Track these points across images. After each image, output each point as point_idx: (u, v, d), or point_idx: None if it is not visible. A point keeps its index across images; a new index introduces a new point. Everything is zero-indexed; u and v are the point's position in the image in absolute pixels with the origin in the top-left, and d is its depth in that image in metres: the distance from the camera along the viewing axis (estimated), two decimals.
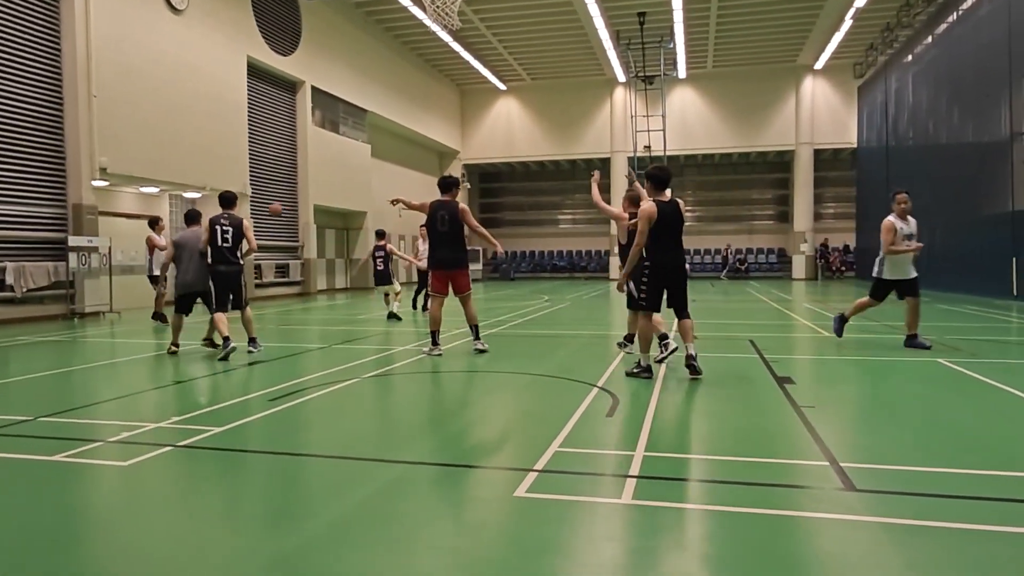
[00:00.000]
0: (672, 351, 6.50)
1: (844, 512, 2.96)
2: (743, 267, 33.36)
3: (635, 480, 3.40)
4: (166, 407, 5.47)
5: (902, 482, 3.38)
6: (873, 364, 7.14)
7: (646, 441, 4.10)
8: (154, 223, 12.79)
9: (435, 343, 7.93)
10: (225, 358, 7.53)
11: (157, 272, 11.91)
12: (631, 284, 6.77)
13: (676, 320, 6.34)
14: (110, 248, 14.21)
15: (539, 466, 3.61)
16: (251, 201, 18.64)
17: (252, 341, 8.13)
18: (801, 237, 31.50)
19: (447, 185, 8.16)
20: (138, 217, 17.04)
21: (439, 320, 8.03)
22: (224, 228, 8.05)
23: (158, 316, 11.73)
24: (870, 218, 27.03)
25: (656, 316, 6.40)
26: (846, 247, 32.09)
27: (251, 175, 18.85)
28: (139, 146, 14.90)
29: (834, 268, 31.31)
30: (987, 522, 2.82)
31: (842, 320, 8.73)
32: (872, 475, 3.46)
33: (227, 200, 8.32)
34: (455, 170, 34.14)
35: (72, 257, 13.17)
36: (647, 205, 6.03)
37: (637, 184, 7.20)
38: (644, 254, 6.16)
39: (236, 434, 4.43)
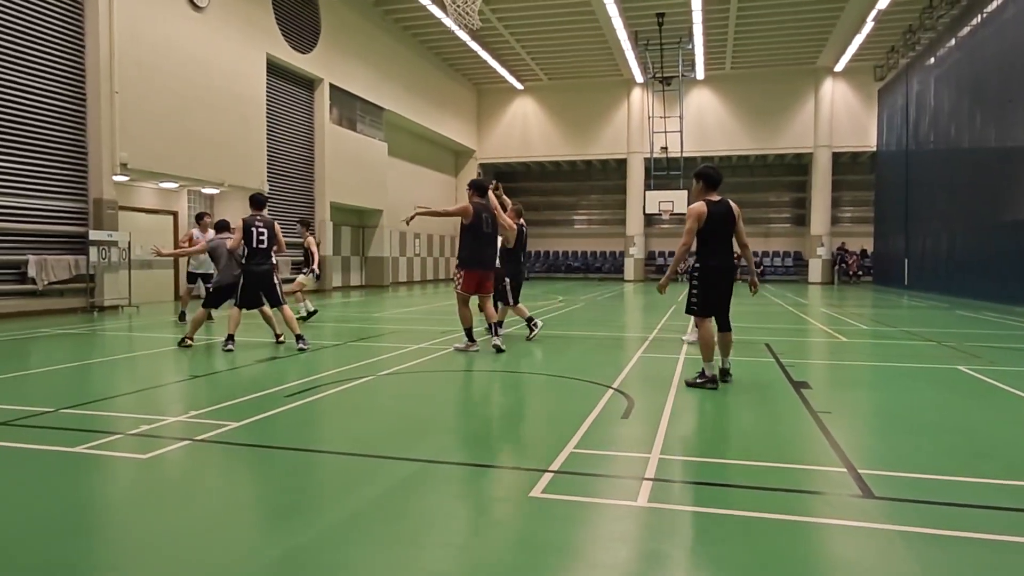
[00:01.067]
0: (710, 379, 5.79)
1: (861, 519, 2.94)
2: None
3: (651, 483, 3.39)
4: (184, 401, 5.53)
5: (919, 490, 3.35)
6: (890, 370, 7.08)
7: (662, 444, 4.09)
8: (200, 218, 12.46)
9: (472, 339, 8.23)
10: (226, 349, 8.00)
11: (195, 270, 11.97)
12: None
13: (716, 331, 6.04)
14: (130, 242, 14.37)
15: (554, 467, 3.61)
16: (269, 196, 18.74)
17: (299, 338, 8.28)
18: (818, 241, 31.24)
19: (484, 189, 8.48)
20: (157, 212, 17.25)
21: (471, 317, 8.36)
22: (259, 229, 8.34)
23: (184, 316, 11.76)
24: (888, 222, 26.81)
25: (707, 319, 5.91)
26: (863, 251, 31.80)
27: (268, 172, 18.98)
28: (159, 142, 15.05)
29: (851, 272, 31.04)
30: (1004, 532, 2.79)
31: None
32: (889, 482, 3.43)
33: (258, 202, 8.53)
34: (471, 169, 34.22)
35: (92, 251, 13.35)
36: (696, 204, 5.82)
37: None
38: (694, 257, 5.95)
39: (253, 430, 4.47)
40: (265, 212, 8.58)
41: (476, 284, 8.23)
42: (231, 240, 8.50)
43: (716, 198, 5.85)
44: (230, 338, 8.16)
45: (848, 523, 2.90)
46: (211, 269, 11.75)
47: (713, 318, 6.00)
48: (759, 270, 33.24)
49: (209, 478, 3.63)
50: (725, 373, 5.94)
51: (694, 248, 5.92)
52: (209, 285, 11.66)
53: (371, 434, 4.53)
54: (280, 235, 8.57)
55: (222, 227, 9.13)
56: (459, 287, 8.33)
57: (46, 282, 12.81)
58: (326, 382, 6.12)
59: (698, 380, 5.82)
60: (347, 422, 4.93)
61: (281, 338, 8.67)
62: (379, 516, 3.00)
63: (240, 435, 4.31)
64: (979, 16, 18.42)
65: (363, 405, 5.47)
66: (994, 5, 17.54)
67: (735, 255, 6.06)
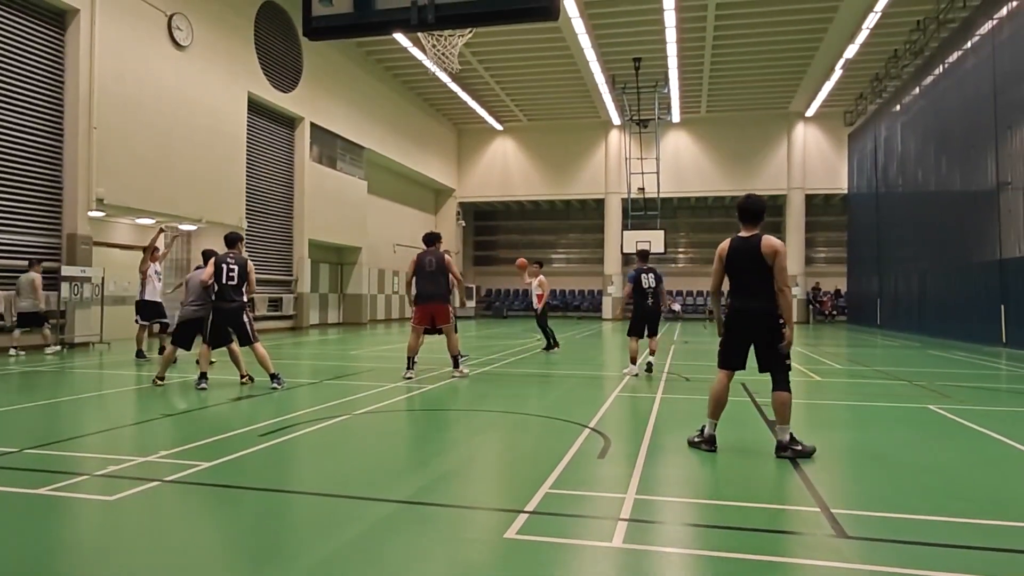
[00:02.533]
0: (705, 440, 5.09)
1: (835, 559, 2.95)
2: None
3: (626, 523, 3.38)
4: (154, 441, 5.42)
5: (893, 529, 3.37)
6: (863, 409, 7.16)
7: (637, 484, 4.08)
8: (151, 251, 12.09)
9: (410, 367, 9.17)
10: (199, 387, 7.97)
11: (149, 297, 11.67)
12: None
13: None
14: (103, 278, 14.19)
15: (530, 507, 3.59)
16: (247, 233, 18.68)
17: (274, 377, 8.18)
18: (793, 281, 31.70)
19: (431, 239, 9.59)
20: (133, 248, 17.08)
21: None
22: (230, 267, 8.33)
23: (141, 354, 11.52)
24: (861, 263, 27.36)
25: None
26: (837, 291, 32.34)
27: (248, 209, 18.95)
28: (137, 177, 15.00)
29: (826, 312, 31.50)
30: (976, 571, 2.81)
31: None
32: (863, 522, 3.45)
33: (231, 240, 8.56)
34: (451, 208, 34.45)
35: (64, 287, 13.14)
36: (721, 244, 5.27)
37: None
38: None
39: (225, 470, 4.39)
40: (240, 249, 8.57)
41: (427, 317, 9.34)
42: (204, 272, 8.48)
43: (747, 234, 5.14)
44: (203, 376, 8.09)
45: (822, 563, 2.91)
46: (156, 297, 11.71)
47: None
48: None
49: (179, 521, 3.55)
50: (783, 446, 4.83)
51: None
52: (165, 320, 11.69)
53: (346, 474, 4.47)
54: (252, 273, 8.51)
55: (207, 257, 9.00)
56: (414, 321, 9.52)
57: (15, 318, 12.55)
58: (301, 421, 6.04)
59: (695, 439, 5.13)
60: (322, 462, 4.86)
61: (244, 379, 8.42)
62: (354, 559, 2.95)
63: (211, 476, 4.23)
64: (941, 66, 19.17)
65: (338, 445, 5.40)
66: (955, 56, 18.28)
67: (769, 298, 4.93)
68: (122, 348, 13.76)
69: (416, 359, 9.22)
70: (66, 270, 13.26)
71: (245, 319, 8.40)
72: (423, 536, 3.28)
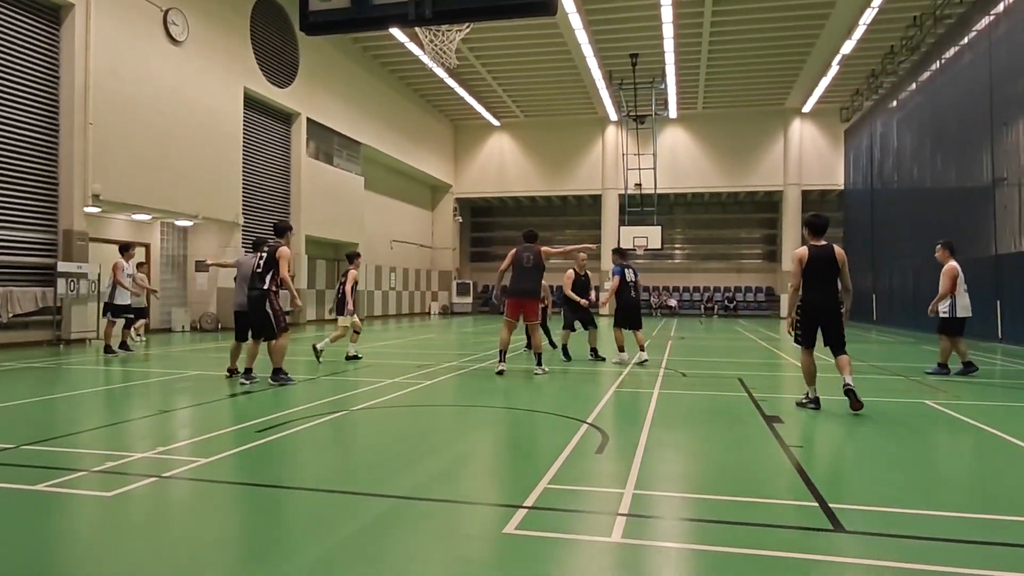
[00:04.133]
0: None
1: (832, 554, 2.96)
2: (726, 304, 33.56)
3: (625, 518, 3.39)
4: (151, 437, 5.41)
5: (890, 524, 3.38)
6: None
7: (636, 479, 4.09)
8: (124, 249, 12.15)
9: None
10: (243, 382, 7.94)
11: (119, 301, 11.74)
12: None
13: (833, 356, 6.63)
14: (99, 274, 14.15)
15: (528, 503, 3.59)
16: (243, 231, 18.63)
17: (277, 372, 7.99)
18: (789, 276, 31.77)
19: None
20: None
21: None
22: (262, 254, 8.10)
23: (109, 350, 11.53)
24: (856, 259, 27.40)
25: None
26: None
27: (244, 204, 18.90)
28: (133, 173, 14.95)
29: None
30: (974, 566, 2.83)
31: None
32: (860, 516, 3.47)
33: (279, 230, 8.23)
34: (448, 203, 34.41)
35: (60, 283, 13.10)
36: (798, 249, 6.67)
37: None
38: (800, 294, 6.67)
39: (222, 466, 4.39)
40: (287, 240, 8.17)
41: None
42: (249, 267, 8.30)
43: (820, 242, 6.56)
44: (247, 371, 8.03)
45: (819, 558, 2.92)
46: (127, 300, 11.75)
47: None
48: (732, 305, 33.67)
49: (177, 517, 3.55)
50: (849, 390, 6.37)
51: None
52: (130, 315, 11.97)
53: (344, 470, 4.47)
54: (281, 260, 7.92)
55: (258, 246, 8.66)
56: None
57: (11, 314, 12.52)
58: (299, 417, 6.04)
59: (803, 401, 6.68)
60: (320, 458, 4.86)
61: (233, 373, 8.35)
62: (352, 555, 2.95)
63: (210, 471, 4.23)
64: (938, 62, 19.19)
65: (336, 441, 5.40)
66: (951, 52, 18.29)
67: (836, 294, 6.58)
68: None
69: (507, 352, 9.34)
70: (62, 266, 13.21)
71: (268, 309, 7.96)
72: (422, 532, 3.28)
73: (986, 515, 3.49)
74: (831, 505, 3.59)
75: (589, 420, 5.93)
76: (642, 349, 10.68)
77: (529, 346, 9.90)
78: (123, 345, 11.90)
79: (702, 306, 34.31)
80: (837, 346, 6.59)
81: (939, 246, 9.90)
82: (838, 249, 6.52)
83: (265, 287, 7.94)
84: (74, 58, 13.67)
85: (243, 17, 18.80)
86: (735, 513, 3.54)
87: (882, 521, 3.42)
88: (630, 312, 10.79)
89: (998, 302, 15.24)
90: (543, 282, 9.64)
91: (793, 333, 6.77)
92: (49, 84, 13.59)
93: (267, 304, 7.95)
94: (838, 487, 4.12)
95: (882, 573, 2.76)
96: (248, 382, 7.95)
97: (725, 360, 11.71)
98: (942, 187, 18.85)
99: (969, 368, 9.35)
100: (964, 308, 9.41)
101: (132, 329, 12.63)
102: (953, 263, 9.55)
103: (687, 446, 5.17)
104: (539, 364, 9.29)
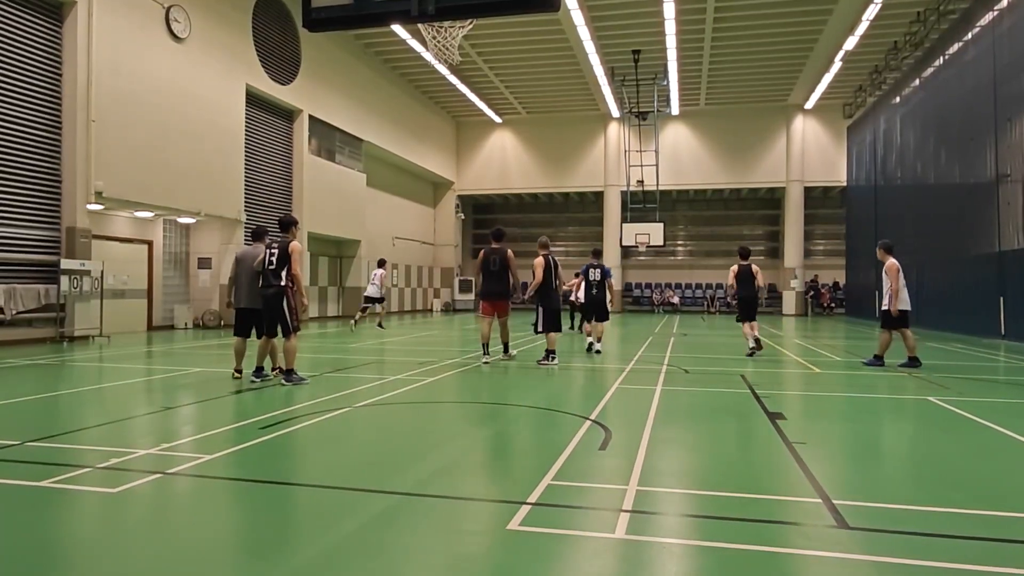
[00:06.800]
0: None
1: (836, 550, 2.96)
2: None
3: (628, 514, 3.39)
4: (156, 433, 5.42)
5: (893, 520, 3.39)
6: (863, 401, 7.17)
7: (639, 475, 4.09)
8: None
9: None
10: (253, 380, 7.98)
11: None
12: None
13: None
14: (102, 271, 14.17)
15: (532, 499, 3.60)
16: (245, 228, 18.63)
17: (289, 373, 7.83)
18: (791, 273, 31.74)
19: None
20: (132, 241, 17.07)
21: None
22: (271, 251, 7.84)
23: None
24: (859, 256, 27.34)
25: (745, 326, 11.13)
26: (836, 284, 32.35)
27: (246, 201, 18.91)
28: (135, 171, 14.95)
29: (824, 304, 31.52)
30: (977, 563, 2.83)
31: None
32: (864, 513, 3.47)
33: (284, 224, 8.00)
34: (450, 200, 34.39)
35: (64, 280, 13.13)
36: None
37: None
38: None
39: (226, 462, 4.40)
40: (292, 234, 7.90)
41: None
42: (256, 261, 8.02)
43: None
44: (258, 370, 7.96)
45: (823, 554, 2.92)
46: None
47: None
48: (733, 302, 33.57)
49: (181, 513, 3.56)
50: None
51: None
52: None
53: (347, 467, 4.48)
54: (294, 254, 7.73)
55: (257, 235, 8.43)
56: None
57: (15, 311, 12.55)
58: (301, 414, 6.05)
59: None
60: (323, 454, 4.87)
61: (238, 375, 8.13)
62: (356, 551, 2.96)
63: (213, 468, 4.24)
64: (941, 58, 19.12)
65: (339, 437, 5.41)
66: (955, 48, 18.23)
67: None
68: (121, 341, 13.75)
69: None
70: (65, 263, 13.24)
71: (285, 307, 7.74)
72: (425, 528, 3.28)
73: (990, 511, 3.49)
74: (834, 501, 3.59)
75: (592, 416, 5.93)
76: (599, 340, 11.95)
77: (507, 351, 10.91)
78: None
79: (704, 303, 34.26)
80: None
81: (878, 247, 10.62)
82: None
83: (282, 283, 7.75)
84: (76, 55, 13.67)
85: (245, 14, 18.78)
86: (738, 509, 3.54)
87: (886, 517, 3.42)
88: (594, 307, 12.19)
89: (1001, 298, 15.21)
90: (511, 280, 10.79)
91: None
92: (51, 81, 13.60)
93: (284, 302, 7.75)
94: (841, 483, 4.11)
95: (886, 569, 2.76)
96: (258, 380, 7.92)
97: (728, 357, 11.71)
98: (945, 183, 18.80)
99: (913, 363, 9.87)
100: (904, 302, 10.05)
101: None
102: (893, 260, 10.21)
103: (690, 442, 5.17)
104: (506, 352, 10.70)
